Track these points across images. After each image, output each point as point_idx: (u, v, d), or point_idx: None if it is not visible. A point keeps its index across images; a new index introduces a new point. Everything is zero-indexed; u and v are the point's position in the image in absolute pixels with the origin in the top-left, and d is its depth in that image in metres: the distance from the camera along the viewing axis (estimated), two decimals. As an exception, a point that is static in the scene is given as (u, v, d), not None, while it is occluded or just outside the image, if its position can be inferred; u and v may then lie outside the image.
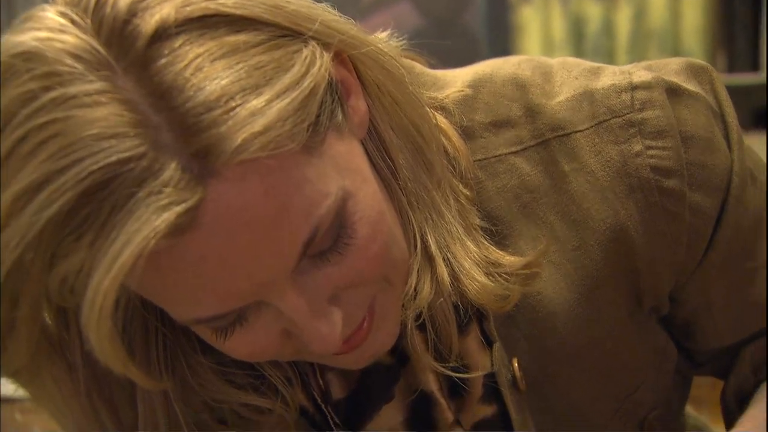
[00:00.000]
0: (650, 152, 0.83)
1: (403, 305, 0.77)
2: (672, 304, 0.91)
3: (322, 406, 0.86)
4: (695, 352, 0.97)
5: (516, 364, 0.85)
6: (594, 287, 0.86)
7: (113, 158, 0.59)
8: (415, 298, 0.77)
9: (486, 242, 0.81)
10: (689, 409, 1.09)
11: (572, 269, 0.85)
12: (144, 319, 0.77)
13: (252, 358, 0.75)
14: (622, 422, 0.91)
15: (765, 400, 0.88)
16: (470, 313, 0.84)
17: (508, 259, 0.81)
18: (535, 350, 0.86)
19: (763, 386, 0.91)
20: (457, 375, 0.83)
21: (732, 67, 3.72)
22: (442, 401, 0.86)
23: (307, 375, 0.86)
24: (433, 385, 0.85)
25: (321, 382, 0.86)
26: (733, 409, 0.94)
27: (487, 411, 0.86)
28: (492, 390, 0.86)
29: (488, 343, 0.85)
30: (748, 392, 0.93)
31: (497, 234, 0.83)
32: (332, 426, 0.86)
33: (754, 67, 3.67)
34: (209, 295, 0.67)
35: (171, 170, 0.60)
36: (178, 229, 0.61)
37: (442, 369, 0.82)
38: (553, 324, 0.85)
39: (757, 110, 3.97)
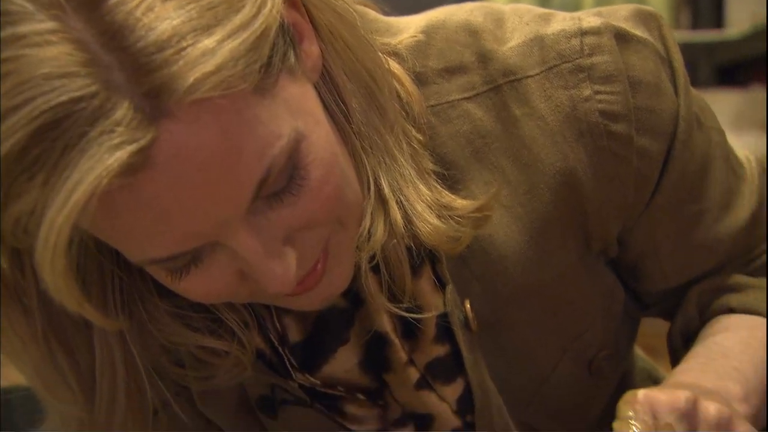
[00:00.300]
0: (599, 97, 0.85)
1: (357, 247, 0.79)
2: (620, 246, 0.94)
3: (279, 349, 0.88)
4: (643, 294, 0.99)
5: (468, 306, 0.87)
6: (544, 230, 0.88)
7: (64, 97, 0.60)
8: (368, 240, 0.79)
9: (438, 186, 0.83)
10: (638, 351, 1.12)
11: (523, 212, 0.87)
12: (99, 263, 0.78)
13: (207, 300, 0.77)
14: (571, 362, 0.94)
15: (705, 352, 0.90)
16: (423, 256, 0.85)
17: (460, 203, 0.82)
18: (487, 292, 0.88)
19: (705, 339, 0.93)
20: (411, 315, 0.85)
21: (696, 24, 3.74)
22: (396, 341, 0.87)
23: (264, 319, 0.87)
24: (387, 326, 0.87)
25: (278, 325, 0.88)
26: (678, 348, 0.96)
27: (439, 350, 0.88)
28: (444, 330, 0.88)
29: (441, 284, 0.87)
30: (693, 332, 0.95)
31: (450, 178, 0.85)
32: (289, 368, 0.88)
33: (718, 24, 3.70)
34: (163, 235, 0.68)
35: (123, 110, 0.61)
36: (131, 169, 0.62)
37: (396, 309, 0.84)
38: (504, 266, 0.87)
39: (721, 67, 4.00)
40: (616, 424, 0.74)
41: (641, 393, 0.75)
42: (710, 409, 0.74)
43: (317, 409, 0.90)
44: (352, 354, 0.89)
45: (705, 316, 0.96)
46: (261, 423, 0.92)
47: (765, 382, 0.88)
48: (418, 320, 0.86)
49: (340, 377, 0.90)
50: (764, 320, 0.93)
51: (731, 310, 0.95)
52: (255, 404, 0.91)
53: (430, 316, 0.86)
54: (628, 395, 0.75)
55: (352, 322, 0.88)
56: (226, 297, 0.76)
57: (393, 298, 0.84)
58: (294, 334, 0.89)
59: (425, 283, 0.86)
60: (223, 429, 0.95)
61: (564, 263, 0.89)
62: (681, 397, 0.74)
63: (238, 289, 0.75)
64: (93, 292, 0.77)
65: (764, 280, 0.96)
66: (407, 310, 0.84)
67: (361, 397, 0.90)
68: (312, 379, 0.89)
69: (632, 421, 0.73)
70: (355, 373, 0.90)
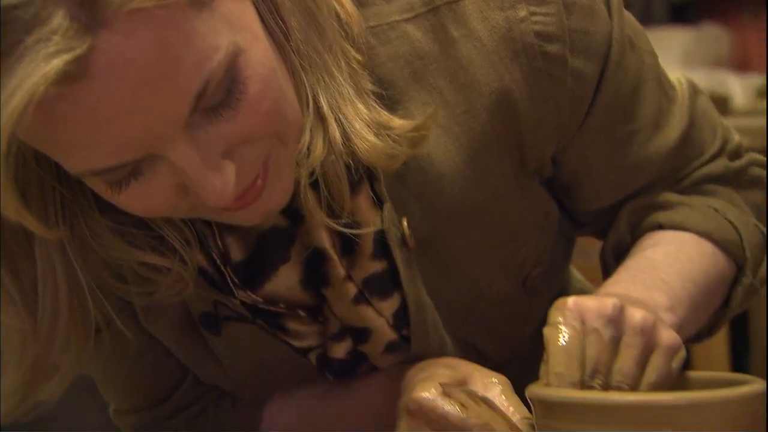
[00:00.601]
0: (534, 18, 0.86)
1: (296, 163, 0.81)
2: (554, 166, 0.96)
3: (221, 266, 0.89)
4: (577, 213, 1.02)
5: (405, 223, 0.89)
6: (481, 150, 0.90)
7: None
8: (308, 157, 0.80)
9: (377, 106, 0.84)
10: (574, 272, 1.15)
11: (460, 132, 0.89)
12: (39, 177, 0.78)
13: (148, 214, 0.78)
14: (507, 279, 0.96)
15: (634, 265, 0.93)
16: (361, 173, 0.87)
17: (397, 122, 0.84)
18: (424, 210, 0.90)
19: (635, 254, 0.96)
20: (349, 231, 0.87)
21: (650, -38, 3.75)
22: (335, 257, 0.90)
23: (206, 237, 0.89)
24: (326, 242, 0.89)
25: (220, 243, 0.89)
26: (610, 264, 0.99)
27: (377, 267, 0.91)
28: (382, 247, 0.90)
29: (379, 202, 0.89)
30: (625, 249, 0.98)
31: (388, 98, 0.86)
32: (231, 285, 0.90)
33: (671, -38, 3.71)
34: (102, 146, 0.69)
35: (59, 18, 0.62)
36: (68, 77, 0.63)
37: (335, 225, 0.86)
38: (441, 185, 0.90)
39: (674, 5, 4.02)
40: (546, 330, 0.77)
41: (571, 300, 0.77)
42: (636, 315, 0.77)
43: (259, 326, 0.92)
44: (293, 272, 0.91)
45: (636, 233, 0.99)
46: (204, 339, 0.94)
47: (692, 294, 0.91)
48: (355, 236, 0.88)
49: (282, 294, 0.92)
50: (693, 236, 0.96)
51: (661, 227, 0.97)
52: (198, 321, 0.93)
53: (367, 231, 0.88)
54: (558, 302, 0.78)
55: (293, 240, 0.90)
56: (166, 211, 0.78)
57: (332, 214, 0.86)
58: (236, 253, 0.90)
59: (363, 201, 0.88)
60: (167, 345, 0.96)
61: (500, 182, 0.92)
62: (608, 303, 0.77)
63: (179, 204, 0.77)
64: (33, 204, 0.78)
65: (694, 198, 0.99)
66: (345, 227, 0.86)
67: (301, 313, 0.93)
68: (254, 296, 0.91)
69: (561, 326, 0.76)
70: (296, 290, 0.91)
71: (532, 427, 0.77)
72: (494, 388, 0.82)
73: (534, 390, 0.76)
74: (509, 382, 0.83)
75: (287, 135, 0.78)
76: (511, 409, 0.80)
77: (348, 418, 0.97)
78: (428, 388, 0.81)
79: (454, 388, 0.80)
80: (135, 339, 0.94)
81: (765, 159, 1.05)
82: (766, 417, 0.73)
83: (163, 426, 1.01)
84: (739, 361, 2.35)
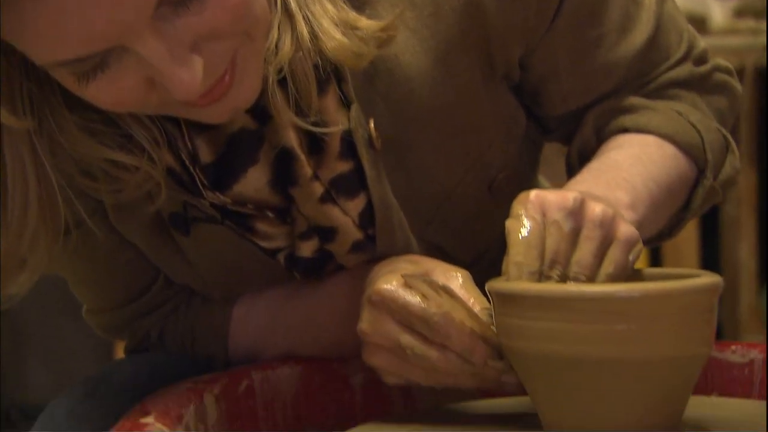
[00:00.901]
0: None
1: (265, 60, 0.81)
2: (522, 71, 0.97)
3: (190, 168, 0.90)
4: (544, 119, 1.03)
5: (372, 124, 0.91)
6: (449, 52, 0.90)
7: None
8: (276, 54, 0.81)
9: (345, 6, 0.85)
10: (543, 181, 1.16)
11: (428, 34, 0.90)
12: (8, 72, 0.78)
13: (116, 107, 0.79)
14: (472, 182, 0.98)
15: (597, 165, 0.95)
16: (329, 73, 0.88)
17: (365, 22, 0.84)
18: (392, 112, 0.91)
19: (599, 155, 0.97)
20: (317, 129, 0.88)
21: None
22: (302, 157, 0.91)
23: (175, 138, 0.90)
24: (293, 141, 0.90)
25: (189, 145, 0.90)
26: (575, 167, 1.00)
27: (343, 167, 0.92)
28: (348, 148, 0.91)
29: (346, 103, 0.90)
30: (590, 152, 0.99)
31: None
32: (200, 186, 0.91)
33: None
34: (69, 36, 0.69)
35: None
36: None
37: (302, 123, 0.87)
38: (409, 87, 0.91)
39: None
40: (508, 222, 0.79)
41: (533, 193, 0.79)
42: (596, 208, 0.79)
43: (228, 227, 0.94)
44: (261, 174, 0.92)
45: (601, 136, 1.00)
46: (174, 240, 0.95)
47: (653, 194, 0.92)
48: (322, 136, 0.89)
49: (250, 196, 0.93)
50: (656, 138, 0.97)
51: (626, 130, 0.99)
52: (167, 220, 0.94)
53: (334, 131, 0.89)
54: (521, 195, 0.80)
55: (262, 142, 0.91)
56: (135, 106, 0.79)
57: (299, 113, 0.87)
58: (205, 155, 0.91)
59: (330, 101, 0.89)
60: (138, 246, 0.98)
61: (468, 85, 0.93)
62: (569, 197, 0.78)
63: (147, 98, 0.77)
64: (1, 96, 0.78)
65: (658, 102, 1.00)
66: (313, 125, 0.87)
67: (270, 214, 0.94)
68: (222, 197, 0.92)
69: (523, 218, 0.78)
70: (265, 192, 0.93)
71: (492, 317, 0.79)
72: (455, 280, 0.83)
73: (492, 284, 0.78)
74: (470, 276, 0.84)
75: (255, 31, 0.78)
76: (472, 299, 0.82)
77: (315, 315, 0.99)
78: (390, 281, 0.82)
79: (416, 279, 0.82)
80: (106, 239, 0.95)
81: (729, 66, 1.06)
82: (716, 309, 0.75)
83: (133, 325, 1.03)
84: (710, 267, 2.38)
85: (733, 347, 0.95)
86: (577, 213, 0.78)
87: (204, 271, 0.97)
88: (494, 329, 0.79)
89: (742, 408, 0.85)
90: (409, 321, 0.81)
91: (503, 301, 0.76)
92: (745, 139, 2.43)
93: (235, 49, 0.78)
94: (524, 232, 0.77)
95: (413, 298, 0.81)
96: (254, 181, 0.92)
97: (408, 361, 0.82)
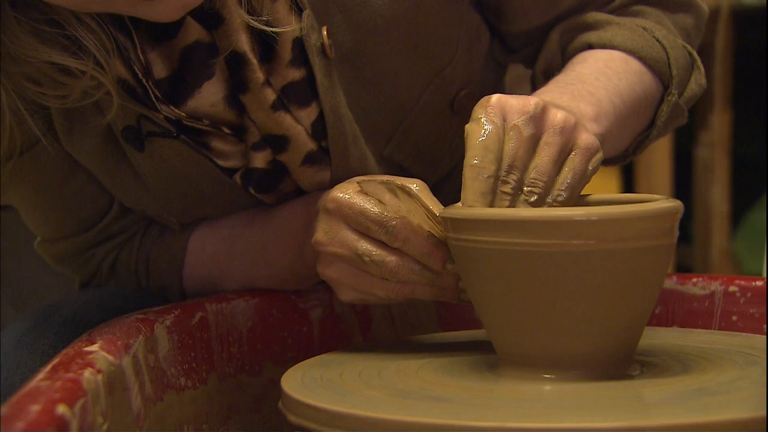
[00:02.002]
0: None
1: None
2: None
3: (143, 81, 0.88)
4: (508, 36, 1.02)
5: (325, 32, 0.89)
6: None
7: None
8: None
9: None
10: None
11: None
12: None
13: (62, 2, 0.77)
14: (433, 97, 0.96)
15: (562, 78, 0.93)
16: None
17: None
18: (349, 22, 0.90)
19: (564, 70, 0.96)
20: (267, 28, 0.86)
21: None
22: (254, 61, 0.89)
23: (127, 50, 0.87)
24: (245, 45, 0.88)
25: (142, 58, 0.88)
26: (540, 83, 0.99)
27: (295, 75, 0.91)
28: (301, 55, 0.90)
29: (299, 10, 0.89)
30: (555, 69, 0.98)
31: None
32: (154, 100, 0.89)
33: None
34: None
35: None
36: None
37: (254, 22, 0.86)
38: None
39: None
40: (468, 126, 0.77)
41: (495, 97, 0.77)
42: (557, 115, 0.77)
43: (183, 141, 0.92)
44: (217, 89, 0.90)
45: (566, 54, 0.99)
46: (128, 160, 0.93)
47: (617, 108, 0.91)
48: (274, 42, 0.88)
49: (206, 111, 0.91)
50: (621, 53, 0.96)
51: (590, 47, 0.98)
52: (120, 136, 0.91)
53: (284, 30, 0.88)
54: (483, 99, 0.78)
55: (216, 54, 0.89)
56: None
57: (251, 13, 0.86)
58: (159, 70, 0.89)
59: (282, 6, 0.88)
60: (90, 170, 0.95)
61: None
62: (531, 102, 0.77)
63: None
64: None
65: (624, 18, 0.99)
66: (267, 26, 0.86)
67: (226, 130, 0.92)
68: (177, 111, 0.90)
69: (483, 121, 0.76)
70: (220, 107, 0.91)
71: None
72: (412, 184, 0.82)
73: (444, 211, 0.76)
74: (428, 187, 0.82)
75: None
76: (430, 205, 0.80)
77: (271, 240, 0.97)
78: (346, 188, 0.81)
79: (372, 183, 0.81)
80: (56, 163, 0.93)
81: None
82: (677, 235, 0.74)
83: (86, 255, 1.01)
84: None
85: (695, 279, 0.94)
86: (538, 118, 0.77)
87: (160, 192, 0.95)
88: None
89: (701, 338, 0.84)
90: (365, 227, 0.80)
91: (456, 226, 0.74)
92: (719, 82, 2.41)
93: None
94: (483, 135, 0.75)
95: (369, 203, 0.79)
96: (210, 96, 0.90)
97: (365, 269, 0.81)
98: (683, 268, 2.56)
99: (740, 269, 2.51)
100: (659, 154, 2.39)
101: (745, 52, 2.52)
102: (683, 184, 2.49)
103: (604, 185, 2.42)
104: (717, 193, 2.43)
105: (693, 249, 2.52)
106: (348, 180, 0.84)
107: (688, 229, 2.50)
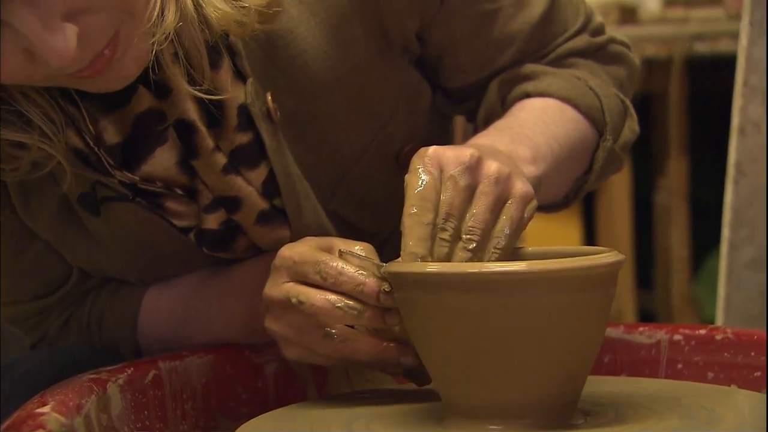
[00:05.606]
0: None
1: (153, 33, 0.81)
2: (421, 44, 0.99)
3: (95, 149, 0.90)
4: (449, 91, 1.05)
5: (270, 98, 0.92)
6: (340, 25, 0.93)
7: None
8: (161, 24, 0.81)
9: None
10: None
11: (320, 9, 0.92)
12: None
13: (2, 80, 0.78)
14: (376, 155, 0.99)
15: (501, 124, 0.96)
16: (222, 47, 0.90)
17: None
18: (290, 85, 0.93)
19: (504, 117, 0.99)
20: (210, 97, 0.89)
21: None
22: (203, 128, 0.91)
23: (77, 119, 0.89)
24: (193, 114, 0.91)
25: (91, 127, 0.90)
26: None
27: (243, 139, 0.93)
28: (247, 120, 0.93)
29: (243, 78, 0.91)
30: (495, 118, 1.00)
31: None
32: (107, 166, 0.90)
33: None
34: None
35: None
36: None
37: (197, 92, 0.88)
38: (304, 60, 0.93)
39: None
40: (406, 177, 0.79)
41: (431, 149, 0.80)
42: (492, 165, 0.79)
43: (139, 203, 0.93)
44: (170, 154, 0.93)
45: (505, 104, 1.02)
46: (84, 226, 0.94)
47: (555, 152, 0.94)
48: (220, 109, 0.91)
49: (159, 175, 0.93)
50: (557, 101, 0.99)
51: (528, 95, 1.00)
52: (76, 202, 0.93)
53: (226, 97, 0.90)
54: (420, 151, 0.80)
55: (167, 119, 0.91)
56: (20, 78, 0.79)
57: (193, 84, 0.88)
58: (111, 136, 0.91)
59: (225, 75, 0.90)
60: (47, 240, 0.97)
61: (362, 57, 0.95)
62: (466, 153, 0.79)
63: (32, 71, 0.78)
64: None
65: (559, 69, 1.02)
66: (208, 94, 0.88)
67: (179, 192, 0.94)
68: (131, 176, 0.92)
69: (420, 172, 0.78)
70: (173, 171, 0.93)
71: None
72: (356, 245, 0.83)
73: (387, 266, 0.78)
74: (374, 250, 0.84)
75: (135, 8, 0.79)
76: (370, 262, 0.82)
77: (225, 301, 0.98)
78: (293, 246, 0.83)
79: (316, 250, 0.82)
80: (15, 233, 0.95)
81: (626, 40, 1.08)
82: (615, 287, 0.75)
83: (40, 317, 1.02)
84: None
85: (641, 328, 0.95)
86: (473, 169, 0.79)
87: (119, 254, 0.97)
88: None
89: (646, 386, 0.85)
90: (303, 274, 0.81)
91: (398, 280, 0.76)
92: (675, 128, 2.45)
93: (117, 27, 0.79)
94: (420, 185, 0.77)
95: (311, 250, 0.82)
96: (163, 161, 0.93)
97: (294, 312, 0.81)
98: (645, 314, 2.58)
99: (701, 314, 2.53)
100: (619, 202, 2.42)
101: (700, 99, 2.56)
102: (644, 231, 2.52)
103: (566, 234, 2.44)
104: (676, 238, 2.46)
105: (654, 294, 2.54)
106: (301, 240, 0.86)
107: (649, 275, 2.52)
